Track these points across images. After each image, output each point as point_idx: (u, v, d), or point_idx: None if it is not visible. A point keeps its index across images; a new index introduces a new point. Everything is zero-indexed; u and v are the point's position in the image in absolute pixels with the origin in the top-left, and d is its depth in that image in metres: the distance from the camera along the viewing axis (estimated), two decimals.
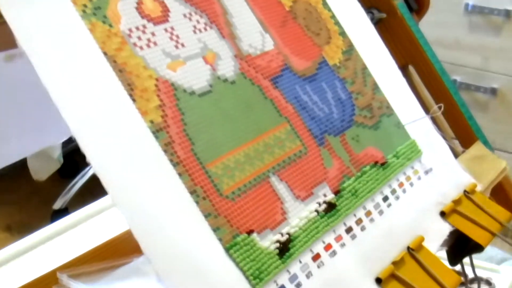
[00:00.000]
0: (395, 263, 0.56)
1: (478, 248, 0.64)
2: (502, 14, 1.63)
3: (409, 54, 0.79)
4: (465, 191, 0.67)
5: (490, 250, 0.98)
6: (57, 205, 1.75)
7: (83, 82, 0.45)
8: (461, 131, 0.77)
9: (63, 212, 1.72)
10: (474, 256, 0.68)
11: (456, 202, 0.66)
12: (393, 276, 0.56)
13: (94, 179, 0.44)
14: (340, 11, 0.68)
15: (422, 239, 0.60)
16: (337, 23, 0.67)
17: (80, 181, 1.72)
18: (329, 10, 0.67)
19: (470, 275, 0.78)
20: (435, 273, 0.57)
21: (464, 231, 0.64)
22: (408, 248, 0.58)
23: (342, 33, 0.67)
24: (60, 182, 1.81)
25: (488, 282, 0.81)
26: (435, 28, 1.59)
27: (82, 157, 0.44)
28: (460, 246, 0.65)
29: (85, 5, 0.48)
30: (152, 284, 0.51)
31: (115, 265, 0.50)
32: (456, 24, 1.67)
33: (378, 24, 0.79)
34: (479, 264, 0.86)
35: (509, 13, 1.63)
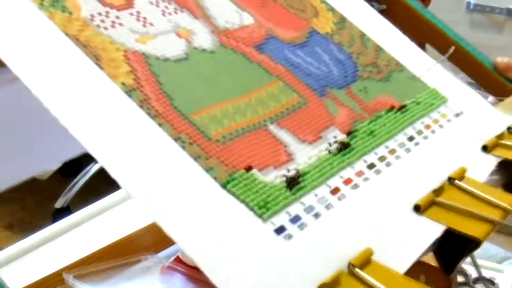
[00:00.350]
0: (435, 191, 0.51)
1: None
2: (503, 12, 1.59)
3: (422, 33, 0.77)
4: (508, 128, 0.62)
5: (492, 249, 0.89)
6: (59, 203, 1.71)
7: (48, 59, 0.45)
8: (495, 88, 0.72)
9: (65, 210, 1.67)
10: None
11: (500, 136, 0.60)
12: (433, 203, 0.50)
13: (96, 178, 0.43)
14: None
15: (465, 169, 0.54)
16: (323, 1, 0.66)
17: (81, 179, 1.67)
18: None
19: (474, 275, 0.72)
20: (485, 195, 0.51)
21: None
22: (449, 178, 0.53)
23: (331, 9, 0.66)
24: (62, 180, 1.77)
25: (491, 282, 0.73)
26: None
27: (84, 156, 0.43)
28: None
29: (42, 0, 0.49)
30: (157, 284, 0.49)
31: (120, 265, 0.48)
32: (457, 22, 1.63)
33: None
34: (482, 264, 0.79)
35: (510, 11, 1.58)
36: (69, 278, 0.46)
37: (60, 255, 0.55)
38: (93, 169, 1.63)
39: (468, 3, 1.63)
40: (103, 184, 0.42)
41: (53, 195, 1.73)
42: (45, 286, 0.50)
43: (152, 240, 0.59)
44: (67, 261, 0.51)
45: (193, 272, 0.55)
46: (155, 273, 0.52)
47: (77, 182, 1.69)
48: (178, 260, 0.56)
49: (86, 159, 0.42)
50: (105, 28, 0.50)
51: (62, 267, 0.50)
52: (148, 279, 0.51)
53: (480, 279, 0.77)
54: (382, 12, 0.78)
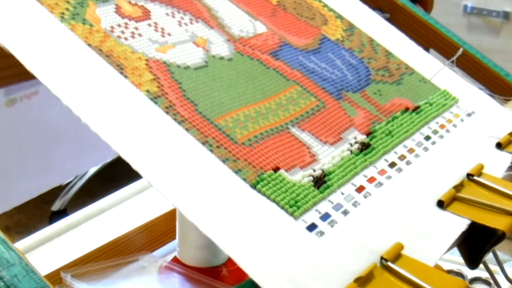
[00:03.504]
0: (456, 187, 0.52)
1: None
2: (500, 15, 1.60)
3: (426, 39, 0.78)
4: None
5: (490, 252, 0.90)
6: (56, 206, 1.69)
7: (75, 69, 0.46)
8: (502, 89, 0.73)
9: (62, 213, 1.65)
10: None
11: None
12: (455, 198, 0.51)
13: (93, 181, 0.43)
14: (331, 1, 0.68)
15: (482, 166, 0.55)
16: (331, 10, 0.67)
17: (78, 182, 1.65)
18: (320, 1, 0.67)
19: (470, 275, 0.73)
20: (505, 189, 0.52)
21: None
22: (468, 175, 0.54)
23: (339, 17, 0.67)
24: None
25: (487, 283, 0.74)
26: None
27: None
28: None
29: (62, 13, 0.50)
30: (154, 283, 0.49)
31: (117, 264, 0.48)
32: (455, 25, 1.65)
33: None
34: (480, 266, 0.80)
35: (507, 14, 1.60)
36: (67, 277, 0.46)
37: (56, 256, 0.55)
38: (89, 172, 1.62)
39: (465, 6, 1.65)
40: (100, 187, 0.42)
41: (50, 198, 1.71)
42: None
43: (147, 239, 0.60)
44: (64, 262, 0.51)
45: (190, 272, 0.55)
46: (152, 272, 0.53)
47: (73, 185, 1.67)
48: (175, 260, 0.57)
49: None
50: (125, 39, 0.50)
51: (59, 266, 0.50)
52: (145, 278, 0.52)
53: (477, 279, 0.77)
54: (386, 20, 0.79)
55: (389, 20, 0.80)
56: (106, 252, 0.55)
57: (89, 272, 0.47)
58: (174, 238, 0.58)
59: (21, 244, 0.61)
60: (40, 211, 1.75)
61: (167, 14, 0.55)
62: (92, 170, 1.54)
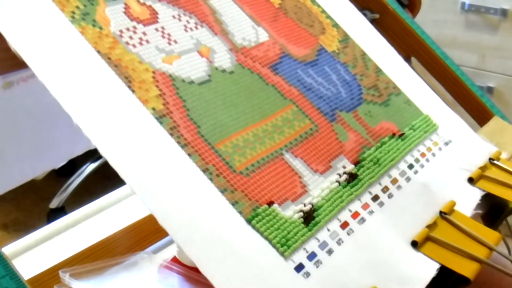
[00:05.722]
0: (429, 227, 0.54)
1: None
2: (498, 13, 1.63)
3: (409, 46, 0.79)
4: (490, 158, 0.66)
5: None
6: (54, 204, 1.71)
7: (82, 79, 0.46)
8: (476, 110, 0.76)
9: (60, 211, 1.68)
10: None
11: (483, 168, 0.64)
12: (428, 238, 0.54)
13: (91, 178, 0.44)
14: (329, 7, 0.68)
15: (454, 203, 0.58)
16: (328, 17, 0.68)
17: (76, 180, 1.67)
18: (318, 6, 0.68)
19: None
20: (473, 232, 0.55)
21: (496, 193, 0.62)
22: (441, 212, 0.57)
23: (335, 25, 0.67)
24: (57, 181, 1.76)
25: None
26: (432, 27, 1.60)
27: (79, 156, 0.44)
28: (496, 210, 0.63)
29: (73, 12, 0.49)
30: (152, 281, 0.50)
31: (116, 263, 0.49)
32: (452, 22, 1.67)
33: (372, 24, 0.80)
34: None
35: (505, 12, 1.62)
36: (65, 277, 0.47)
37: (54, 256, 0.55)
38: (88, 169, 1.59)
39: (463, 4, 1.65)
40: (98, 184, 0.43)
41: (48, 195, 1.69)
42: (37, 285, 0.51)
43: (147, 236, 0.61)
44: (61, 259, 0.52)
45: (190, 272, 0.57)
46: (151, 271, 0.54)
47: (72, 182, 1.65)
48: (175, 260, 0.58)
49: (81, 159, 0.44)
50: (134, 46, 0.50)
51: (56, 263, 0.51)
52: (144, 278, 0.53)
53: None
54: (374, 21, 0.80)
55: (377, 21, 0.80)
56: (104, 248, 0.56)
57: (87, 271, 0.48)
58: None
59: (19, 243, 0.61)
60: (38, 209, 1.72)
61: (174, 17, 0.55)
62: (91, 167, 1.51)
